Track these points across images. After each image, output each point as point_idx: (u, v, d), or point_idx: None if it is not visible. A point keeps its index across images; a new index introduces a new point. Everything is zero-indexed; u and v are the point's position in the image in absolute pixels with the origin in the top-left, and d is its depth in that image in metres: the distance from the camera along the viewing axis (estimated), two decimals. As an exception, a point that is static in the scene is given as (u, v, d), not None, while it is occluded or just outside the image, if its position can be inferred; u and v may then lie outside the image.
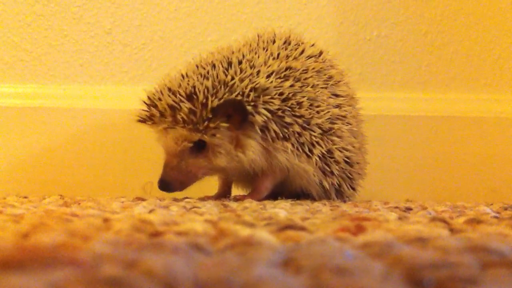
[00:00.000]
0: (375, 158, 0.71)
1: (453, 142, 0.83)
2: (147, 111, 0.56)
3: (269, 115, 0.54)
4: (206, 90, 0.54)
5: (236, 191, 0.66)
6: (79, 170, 0.79)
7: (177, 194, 0.62)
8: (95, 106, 0.80)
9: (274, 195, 0.60)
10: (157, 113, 0.55)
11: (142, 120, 0.57)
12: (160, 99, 0.55)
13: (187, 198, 0.58)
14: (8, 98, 0.81)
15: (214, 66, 0.56)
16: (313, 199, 0.60)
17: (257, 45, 0.60)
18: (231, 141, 0.55)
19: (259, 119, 0.54)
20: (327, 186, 0.59)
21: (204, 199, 0.58)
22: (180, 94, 0.54)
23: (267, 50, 0.59)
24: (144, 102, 0.57)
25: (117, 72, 0.82)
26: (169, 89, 0.55)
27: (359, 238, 0.25)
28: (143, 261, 0.17)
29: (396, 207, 0.45)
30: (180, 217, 0.33)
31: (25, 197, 0.57)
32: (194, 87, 0.54)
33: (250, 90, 0.55)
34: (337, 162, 0.59)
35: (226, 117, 0.54)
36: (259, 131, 0.55)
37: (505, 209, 0.46)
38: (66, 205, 0.44)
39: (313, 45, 0.63)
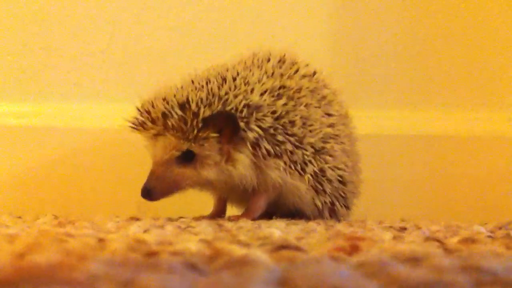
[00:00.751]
0: (368, 177, 0.72)
1: (447, 161, 0.84)
2: (138, 118, 0.57)
3: (261, 132, 0.55)
4: (199, 101, 0.54)
5: (231, 210, 0.65)
6: (73, 189, 0.79)
7: (172, 214, 0.62)
8: (90, 125, 0.80)
9: (268, 215, 0.60)
10: (148, 119, 0.55)
11: (134, 127, 0.57)
12: (153, 106, 0.55)
13: (181, 218, 0.58)
14: (1, 116, 0.81)
15: (209, 81, 0.57)
16: (307, 218, 0.60)
17: (252, 63, 0.60)
18: (221, 154, 0.55)
19: (250, 135, 0.54)
20: (319, 204, 0.59)
21: (198, 218, 0.58)
22: (173, 102, 0.54)
23: (261, 68, 0.60)
24: (138, 109, 0.57)
25: (112, 91, 0.82)
26: (163, 98, 0.55)
27: (354, 257, 0.26)
28: (139, 281, 0.17)
29: (391, 227, 0.45)
30: (175, 236, 0.33)
31: (19, 217, 0.56)
32: (187, 97, 0.54)
33: (244, 106, 0.55)
34: (329, 181, 0.59)
35: (218, 130, 0.54)
36: (250, 147, 0.55)
37: (499, 228, 0.46)
38: (60, 225, 0.44)
39: (307, 65, 0.63)
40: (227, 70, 0.59)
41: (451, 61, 0.87)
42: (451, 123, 0.85)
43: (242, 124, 0.54)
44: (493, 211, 0.81)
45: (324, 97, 0.61)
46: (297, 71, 0.61)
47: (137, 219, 0.54)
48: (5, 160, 0.80)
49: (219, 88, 0.56)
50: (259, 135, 0.55)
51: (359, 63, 0.85)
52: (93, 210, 0.77)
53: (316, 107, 0.59)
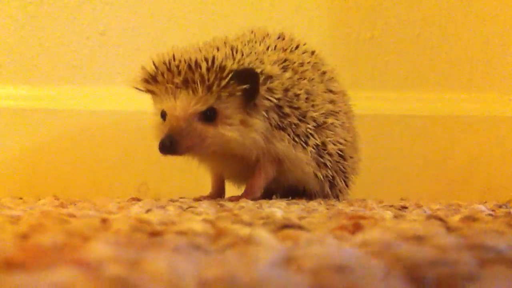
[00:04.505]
0: (368, 157, 0.72)
1: (447, 141, 0.84)
2: (153, 70, 0.54)
3: (273, 101, 0.54)
4: (225, 56, 0.53)
5: (229, 191, 0.65)
6: (73, 171, 0.79)
7: (171, 195, 0.62)
8: (89, 108, 0.80)
9: (269, 194, 0.60)
10: (168, 70, 0.53)
11: (146, 80, 0.55)
12: (174, 58, 0.53)
13: (182, 198, 0.58)
14: (1, 99, 0.80)
15: (218, 49, 0.55)
16: (307, 196, 0.60)
17: (253, 38, 0.60)
18: (239, 116, 0.54)
19: (266, 103, 0.54)
20: (321, 177, 0.59)
21: (199, 199, 0.58)
22: (197, 55, 0.53)
23: (262, 43, 0.59)
24: (152, 62, 0.54)
25: (111, 74, 0.81)
26: (184, 53, 0.54)
27: (357, 236, 0.26)
28: (146, 261, 0.17)
29: (391, 206, 0.45)
30: (178, 217, 0.33)
31: (20, 198, 0.57)
32: (212, 52, 0.53)
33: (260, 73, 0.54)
34: (330, 155, 0.59)
35: (241, 88, 0.53)
36: (264, 113, 0.54)
37: (500, 207, 0.46)
38: (62, 206, 0.44)
39: (305, 43, 0.63)
40: (234, 41, 0.58)
41: (450, 43, 0.86)
42: (450, 103, 0.85)
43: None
44: (491, 190, 0.81)
45: (324, 73, 0.61)
46: (297, 47, 0.61)
47: (138, 200, 0.54)
48: (4, 142, 0.80)
49: (233, 54, 0.54)
50: (270, 105, 0.54)
51: (357, 45, 0.85)
52: (93, 191, 0.78)
53: (318, 82, 0.59)
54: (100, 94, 0.80)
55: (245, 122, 0.54)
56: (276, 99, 0.55)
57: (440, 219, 0.33)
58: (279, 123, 0.55)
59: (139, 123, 0.74)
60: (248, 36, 0.60)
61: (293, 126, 0.56)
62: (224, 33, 0.82)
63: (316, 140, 0.57)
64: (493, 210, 0.41)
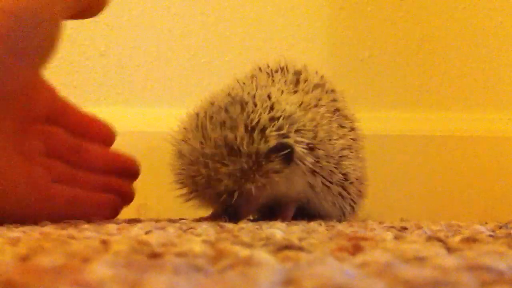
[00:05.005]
0: (368, 177, 0.72)
1: (445, 161, 0.84)
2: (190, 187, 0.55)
3: (305, 150, 0.54)
4: (249, 140, 0.52)
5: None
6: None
7: (171, 216, 0.62)
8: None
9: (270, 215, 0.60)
10: (203, 183, 0.53)
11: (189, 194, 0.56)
12: (199, 171, 0.53)
13: (182, 219, 0.58)
14: None
15: (236, 127, 0.53)
16: (308, 218, 0.60)
17: (269, 77, 0.59)
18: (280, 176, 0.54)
19: (306, 159, 0.54)
20: (346, 207, 0.60)
21: (199, 220, 0.58)
22: (222, 152, 0.52)
23: (277, 84, 0.58)
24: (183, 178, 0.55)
25: (111, 94, 0.82)
26: (202, 155, 0.53)
27: (357, 257, 0.26)
28: (146, 282, 0.17)
29: (392, 227, 0.45)
30: (178, 238, 0.33)
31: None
32: (234, 138, 0.52)
33: (289, 126, 0.54)
34: (351, 183, 0.60)
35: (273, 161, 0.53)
36: (300, 163, 0.54)
37: (500, 227, 0.46)
38: (61, 227, 0.44)
39: (316, 72, 0.63)
40: (247, 95, 0.55)
41: (450, 62, 0.87)
42: (449, 123, 0.86)
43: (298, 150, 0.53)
44: (491, 211, 0.81)
45: (337, 109, 0.61)
46: (317, 86, 0.61)
47: (138, 221, 0.54)
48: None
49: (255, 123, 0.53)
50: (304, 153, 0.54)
51: (358, 64, 0.85)
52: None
53: (332, 120, 0.59)
54: (100, 115, 0.80)
55: (287, 178, 0.55)
56: (308, 147, 0.54)
57: (441, 240, 0.33)
58: (313, 167, 0.55)
59: (138, 144, 0.74)
60: (260, 78, 0.59)
61: (324, 169, 0.56)
62: (223, 51, 0.82)
63: (338, 175, 0.58)
64: (493, 231, 0.41)
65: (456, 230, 0.42)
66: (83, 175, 0.53)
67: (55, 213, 0.49)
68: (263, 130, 0.52)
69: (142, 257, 0.25)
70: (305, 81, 0.60)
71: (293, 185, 0.55)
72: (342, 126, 0.61)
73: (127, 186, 0.56)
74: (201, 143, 0.53)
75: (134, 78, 0.82)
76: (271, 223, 0.51)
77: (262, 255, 0.24)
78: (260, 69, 0.61)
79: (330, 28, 0.86)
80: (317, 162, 0.55)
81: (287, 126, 0.53)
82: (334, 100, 0.62)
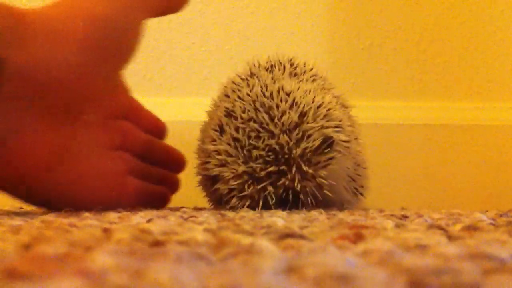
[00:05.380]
0: (368, 166, 0.72)
1: (446, 150, 0.84)
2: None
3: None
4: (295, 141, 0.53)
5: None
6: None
7: (173, 204, 0.62)
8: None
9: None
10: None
11: None
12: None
13: (183, 208, 0.58)
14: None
15: (288, 131, 0.53)
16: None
17: (269, 72, 0.59)
18: None
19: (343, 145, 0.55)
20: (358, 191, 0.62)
21: (200, 209, 0.58)
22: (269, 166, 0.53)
23: (279, 76, 0.58)
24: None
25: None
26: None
27: (359, 246, 0.26)
28: (149, 271, 0.17)
29: (392, 215, 0.45)
30: (179, 226, 0.34)
31: (21, 208, 0.57)
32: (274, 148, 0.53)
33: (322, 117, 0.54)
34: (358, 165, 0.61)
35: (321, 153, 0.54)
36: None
37: (501, 216, 0.46)
38: (63, 215, 0.44)
39: (304, 64, 0.62)
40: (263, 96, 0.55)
41: (451, 51, 0.87)
42: (450, 112, 0.86)
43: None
44: (491, 199, 0.81)
45: (347, 107, 0.62)
46: (304, 71, 0.60)
47: (138, 209, 0.54)
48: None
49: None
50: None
51: (359, 53, 0.85)
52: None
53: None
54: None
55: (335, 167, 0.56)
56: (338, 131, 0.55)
57: (442, 228, 0.33)
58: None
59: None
60: (261, 75, 0.58)
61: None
62: (224, 39, 0.82)
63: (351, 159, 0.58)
64: (494, 219, 0.41)
65: (457, 219, 0.42)
66: (150, 168, 0.56)
67: (125, 203, 0.52)
68: (298, 127, 0.53)
69: (144, 245, 0.25)
70: (304, 72, 0.60)
71: (342, 171, 0.56)
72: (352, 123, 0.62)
73: (176, 177, 0.60)
74: (247, 164, 0.53)
75: (134, 66, 0.82)
76: (272, 211, 0.51)
77: (264, 243, 0.24)
78: (258, 66, 0.60)
79: (331, 17, 0.86)
80: (347, 146, 0.56)
81: (319, 116, 0.54)
82: (332, 88, 0.62)
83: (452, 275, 0.18)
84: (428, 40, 0.86)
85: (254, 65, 0.60)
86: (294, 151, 0.52)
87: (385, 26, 0.86)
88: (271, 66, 0.60)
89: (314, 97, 0.55)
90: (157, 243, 0.25)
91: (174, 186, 0.60)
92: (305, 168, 0.52)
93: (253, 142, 0.53)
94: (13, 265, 0.17)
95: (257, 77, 0.58)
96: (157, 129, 0.58)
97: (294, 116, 0.53)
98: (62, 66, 0.46)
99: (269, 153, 0.52)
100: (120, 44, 0.49)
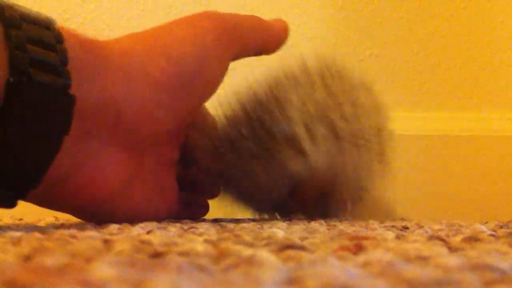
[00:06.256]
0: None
1: (445, 161, 0.84)
2: None
3: None
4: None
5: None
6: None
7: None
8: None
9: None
10: None
11: None
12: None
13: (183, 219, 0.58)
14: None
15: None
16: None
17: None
18: None
19: None
20: None
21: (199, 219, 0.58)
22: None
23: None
24: None
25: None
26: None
27: (360, 257, 0.26)
28: (149, 281, 0.17)
29: (393, 226, 0.45)
30: (179, 237, 0.33)
31: (21, 219, 0.56)
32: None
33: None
34: None
35: None
36: None
37: (501, 227, 0.46)
38: (63, 226, 0.44)
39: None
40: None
41: (449, 62, 0.87)
42: (449, 122, 0.86)
43: None
44: (491, 210, 0.81)
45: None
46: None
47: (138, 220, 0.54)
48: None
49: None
50: None
51: (358, 64, 0.85)
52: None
53: None
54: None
55: None
56: None
57: (442, 240, 0.33)
58: None
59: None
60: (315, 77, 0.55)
61: None
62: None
63: None
64: (494, 231, 0.41)
65: (457, 230, 0.42)
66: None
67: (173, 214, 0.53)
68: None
69: (145, 256, 0.25)
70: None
71: None
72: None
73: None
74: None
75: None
76: (272, 222, 0.51)
77: (264, 254, 0.24)
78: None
79: (330, 27, 0.86)
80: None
81: None
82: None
83: (453, 287, 0.18)
84: (426, 51, 0.87)
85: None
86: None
87: (384, 37, 0.86)
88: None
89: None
90: (157, 254, 0.25)
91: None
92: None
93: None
94: (14, 276, 0.17)
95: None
96: None
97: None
98: (134, 104, 0.45)
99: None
100: (199, 85, 0.48)
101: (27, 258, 0.24)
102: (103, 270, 0.19)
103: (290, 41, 0.88)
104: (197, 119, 0.53)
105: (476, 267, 0.21)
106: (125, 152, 0.47)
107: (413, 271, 0.20)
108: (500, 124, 0.85)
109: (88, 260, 0.23)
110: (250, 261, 0.23)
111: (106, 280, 0.17)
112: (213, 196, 0.57)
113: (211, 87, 0.50)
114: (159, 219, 0.50)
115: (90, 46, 0.43)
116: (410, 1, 0.87)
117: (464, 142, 0.84)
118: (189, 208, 0.56)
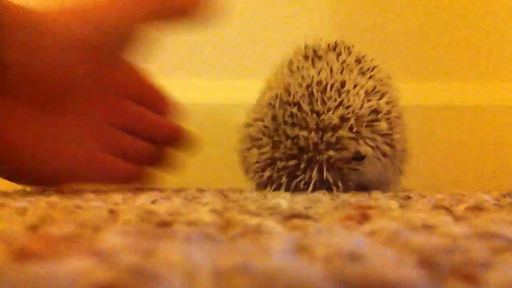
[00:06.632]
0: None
1: (448, 131, 0.84)
2: None
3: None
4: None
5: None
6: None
7: (176, 185, 0.62)
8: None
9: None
10: None
11: None
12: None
13: (186, 189, 0.58)
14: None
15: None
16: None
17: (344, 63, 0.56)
18: None
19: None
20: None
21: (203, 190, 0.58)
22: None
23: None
24: None
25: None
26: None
27: (365, 226, 0.26)
28: (160, 250, 0.17)
29: (396, 196, 0.46)
30: (184, 207, 0.34)
31: (24, 190, 0.57)
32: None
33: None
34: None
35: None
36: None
37: (504, 196, 0.46)
38: (67, 196, 0.44)
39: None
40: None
41: (453, 33, 0.86)
42: (453, 93, 0.85)
43: None
44: (493, 180, 0.82)
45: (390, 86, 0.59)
46: (374, 68, 0.58)
47: (141, 190, 0.54)
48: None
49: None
50: None
51: (362, 33, 0.85)
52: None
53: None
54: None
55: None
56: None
57: (446, 209, 0.33)
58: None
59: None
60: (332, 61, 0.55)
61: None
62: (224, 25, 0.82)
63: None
64: (497, 200, 0.41)
65: (460, 199, 0.42)
66: (128, 142, 0.56)
67: (95, 178, 0.54)
68: (334, 132, 0.51)
69: (152, 226, 0.25)
70: (366, 61, 0.58)
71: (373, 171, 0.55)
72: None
73: (163, 153, 0.59)
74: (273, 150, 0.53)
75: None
76: (275, 193, 0.51)
77: (271, 223, 0.24)
78: (326, 47, 0.57)
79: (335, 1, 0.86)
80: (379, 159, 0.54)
81: (362, 125, 0.52)
82: (390, 86, 0.60)
83: (462, 254, 0.18)
84: (430, 22, 0.86)
85: (321, 46, 0.57)
86: (320, 155, 0.51)
87: (388, 7, 0.85)
88: (335, 47, 0.57)
89: (364, 102, 0.53)
90: (164, 224, 0.25)
91: (157, 161, 0.58)
92: (325, 174, 0.52)
93: (286, 128, 0.52)
94: (23, 246, 0.17)
95: (325, 61, 0.55)
96: (159, 104, 0.58)
97: (335, 118, 0.52)
98: (50, 63, 0.48)
99: (294, 146, 0.52)
100: (112, 47, 0.52)
101: (34, 227, 0.24)
102: (112, 239, 0.19)
103: (292, 10, 0.88)
104: (121, 68, 0.55)
105: (483, 235, 0.21)
106: (42, 112, 0.49)
107: (420, 239, 0.20)
108: (503, 94, 0.85)
109: (96, 229, 0.23)
110: (257, 230, 0.23)
111: (116, 249, 0.17)
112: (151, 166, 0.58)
113: (123, 48, 0.53)
114: (91, 180, 0.52)
115: (12, 9, 0.46)
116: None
117: (466, 112, 0.84)
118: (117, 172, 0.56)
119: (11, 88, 0.47)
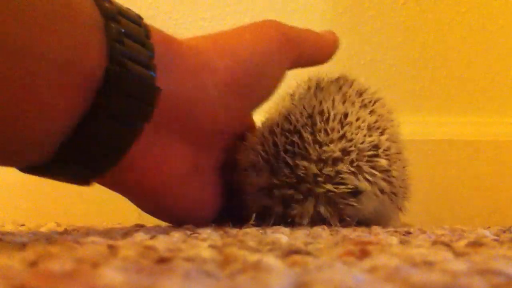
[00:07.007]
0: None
1: (446, 166, 0.84)
2: None
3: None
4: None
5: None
6: (74, 197, 0.79)
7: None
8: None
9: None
10: None
11: None
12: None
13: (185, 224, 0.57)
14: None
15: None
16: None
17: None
18: None
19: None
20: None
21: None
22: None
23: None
24: None
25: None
26: None
27: (365, 262, 0.26)
28: (159, 287, 0.17)
29: (396, 231, 0.45)
30: (183, 243, 0.33)
31: (23, 225, 0.56)
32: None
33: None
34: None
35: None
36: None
37: (504, 232, 0.46)
38: (66, 232, 0.44)
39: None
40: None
41: (450, 67, 0.87)
42: (450, 127, 0.86)
43: None
44: (493, 215, 0.81)
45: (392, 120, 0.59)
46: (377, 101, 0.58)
47: (142, 226, 0.54)
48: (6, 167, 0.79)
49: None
50: None
51: (359, 68, 0.86)
52: (94, 218, 0.77)
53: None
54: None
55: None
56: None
57: (446, 244, 0.33)
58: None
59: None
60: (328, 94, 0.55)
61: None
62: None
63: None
64: (497, 235, 0.41)
65: (460, 235, 0.42)
66: None
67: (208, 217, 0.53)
68: (334, 165, 0.51)
69: (151, 262, 0.25)
70: (368, 94, 0.57)
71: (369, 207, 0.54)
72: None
73: None
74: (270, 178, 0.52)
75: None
76: (275, 227, 0.51)
77: (271, 260, 0.24)
78: (329, 80, 0.58)
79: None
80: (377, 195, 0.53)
81: (361, 160, 0.51)
82: (392, 121, 0.59)
83: (462, 291, 0.18)
84: (427, 56, 0.87)
85: (324, 79, 0.58)
86: (318, 188, 0.51)
87: (385, 42, 0.86)
88: (337, 80, 0.58)
89: (366, 136, 0.52)
90: (163, 260, 0.25)
91: None
92: (322, 208, 0.51)
93: (286, 156, 0.51)
94: (23, 282, 0.17)
95: (327, 92, 0.55)
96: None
97: (337, 151, 0.51)
98: (202, 99, 0.47)
99: (292, 175, 0.51)
100: (258, 89, 0.51)
101: (33, 263, 0.23)
102: (111, 275, 0.19)
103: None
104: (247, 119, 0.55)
105: (483, 272, 0.21)
106: (188, 148, 0.48)
107: (420, 276, 0.20)
108: (501, 128, 0.85)
109: (95, 265, 0.23)
110: (256, 267, 0.23)
111: (115, 286, 0.17)
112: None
113: (269, 91, 0.52)
114: (205, 221, 0.51)
115: (170, 43, 0.46)
116: (410, 6, 0.87)
117: (466, 146, 0.84)
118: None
119: (169, 121, 0.46)
